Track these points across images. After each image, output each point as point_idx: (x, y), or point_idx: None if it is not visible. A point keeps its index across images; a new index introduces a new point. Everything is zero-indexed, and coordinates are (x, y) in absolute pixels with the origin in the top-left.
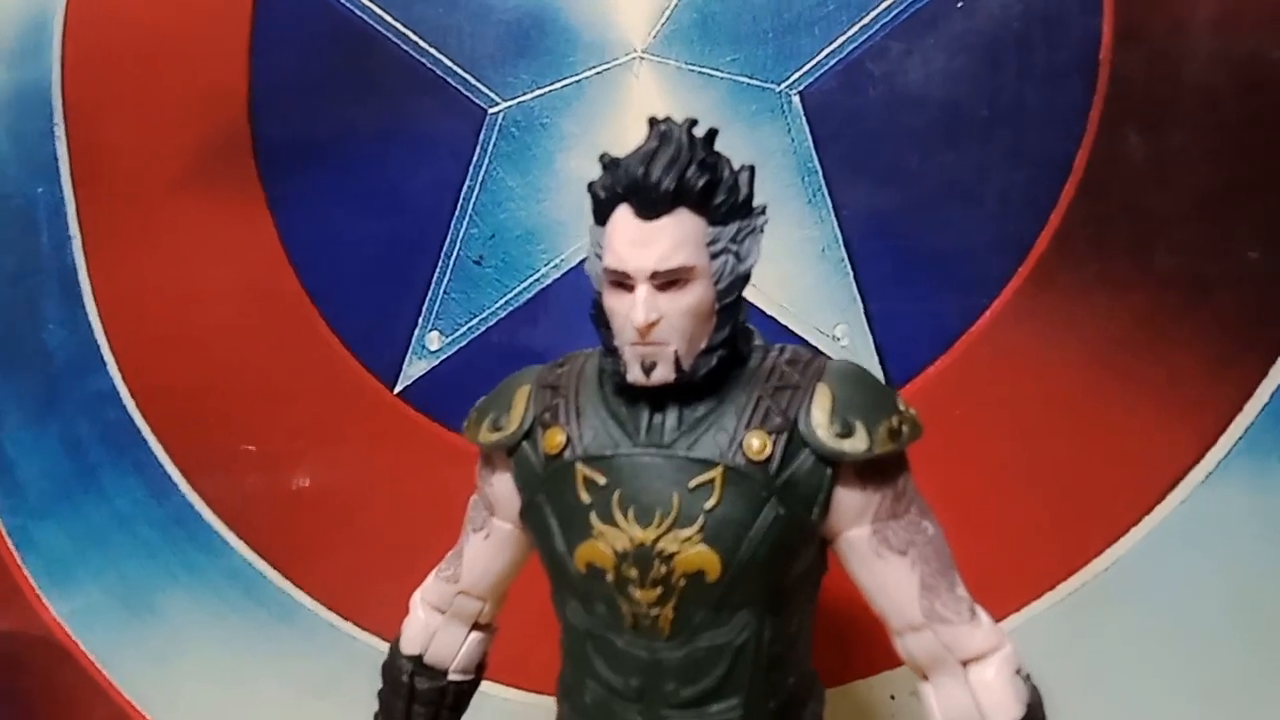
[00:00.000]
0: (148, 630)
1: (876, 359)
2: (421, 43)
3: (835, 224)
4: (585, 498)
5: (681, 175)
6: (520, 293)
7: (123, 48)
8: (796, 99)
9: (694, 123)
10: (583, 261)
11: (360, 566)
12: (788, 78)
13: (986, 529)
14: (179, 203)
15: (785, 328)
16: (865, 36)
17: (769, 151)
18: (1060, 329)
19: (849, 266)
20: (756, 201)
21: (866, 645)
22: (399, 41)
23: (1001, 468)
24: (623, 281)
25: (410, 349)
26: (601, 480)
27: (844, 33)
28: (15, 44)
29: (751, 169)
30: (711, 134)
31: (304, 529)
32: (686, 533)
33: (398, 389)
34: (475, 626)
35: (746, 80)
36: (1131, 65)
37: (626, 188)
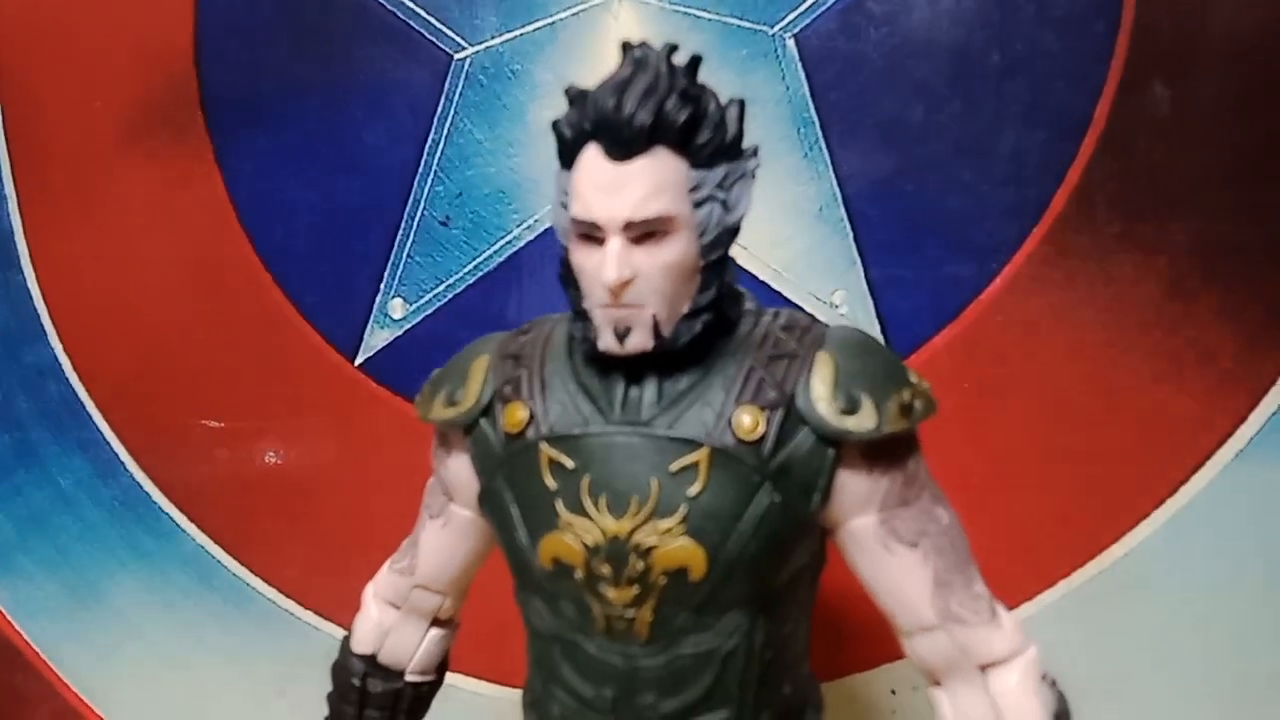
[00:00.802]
0: (94, 619)
1: (878, 328)
2: None
3: (834, 181)
4: (551, 483)
5: (659, 108)
6: (490, 256)
7: None
8: (791, 42)
9: (674, 49)
10: None
11: (320, 551)
12: (782, 19)
13: (995, 512)
14: (122, 162)
15: (778, 294)
16: None
17: (761, 100)
18: (1078, 297)
19: (848, 227)
20: (747, 142)
21: (865, 636)
22: None
23: (1012, 446)
24: (591, 234)
25: (371, 317)
26: (569, 463)
27: None
28: None
29: (741, 103)
30: (694, 61)
31: (260, 511)
32: (667, 524)
33: (358, 360)
34: (435, 623)
35: (736, 22)
36: (1157, 9)
37: (595, 123)
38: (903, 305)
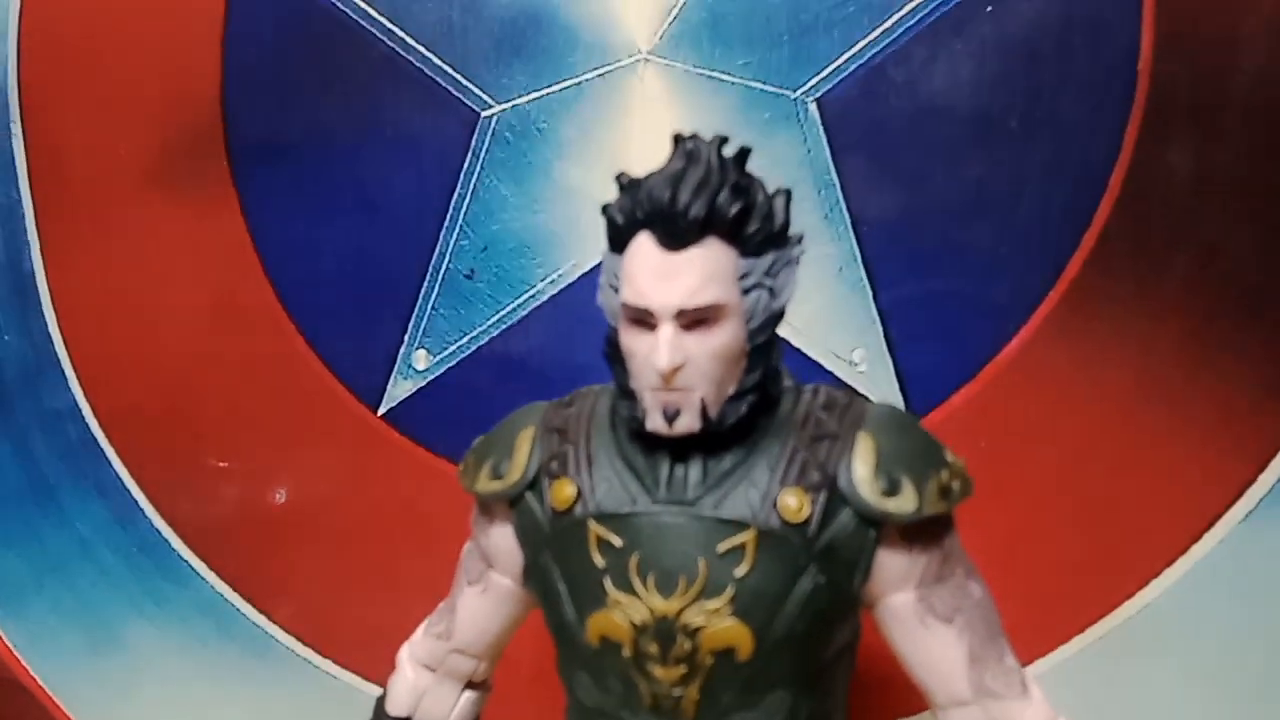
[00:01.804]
0: (110, 664)
1: (897, 386)
2: (409, 40)
3: (854, 241)
4: (599, 561)
5: (712, 201)
6: (514, 309)
7: (85, 38)
8: (813, 106)
9: (724, 140)
10: (581, 278)
11: (339, 600)
12: (804, 83)
13: (1013, 568)
14: (146, 206)
15: (799, 351)
16: (888, 40)
17: (783, 162)
18: (1096, 355)
19: (868, 287)
20: (792, 230)
21: (882, 691)
22: (384, 38)
23: (1028, 503)
24: (643, 319)
25: (395, 368)
26: (617, 542)
27: (865, 36)
28: None
29: (788, 193)
30: (744, 154)
31: (279, 559)
32: (714, 604)
33: (381, 411)
34: (469, 685)
35: (760, 86)
36: (1172, 76)
37: (650, 214)
38: (922, 363)
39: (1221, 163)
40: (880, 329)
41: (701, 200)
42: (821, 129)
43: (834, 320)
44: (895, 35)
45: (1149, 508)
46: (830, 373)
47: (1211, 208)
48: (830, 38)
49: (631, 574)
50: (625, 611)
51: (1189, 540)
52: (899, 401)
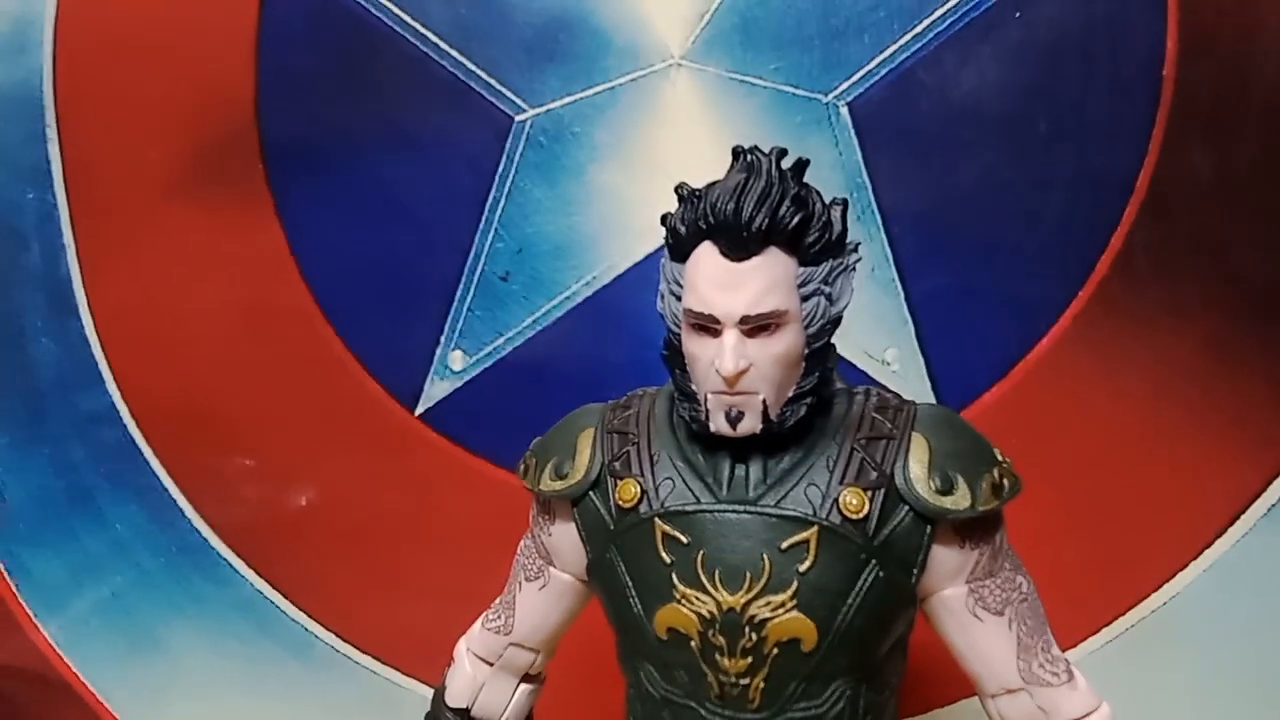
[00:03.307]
0: (150, 665)
1: (929, 385)
2: (443, 45)
3: (885, 242)
4: (666, 557)
5: (774, 212)
6: (549, 311)
7: (119, 43)
8: (844, 110)
9: (783, 152)
10: (615, 280)
11: (380, 598)
12: (835, 87)
13: (1041, 561)
14: (181, 210)
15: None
16: (918, 45)
17: (815, 165)
18: (1122, 356)
19: (900, 287)
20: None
21: (914, 684)
22: (418, 43)
23: (1058, 498)
24: (707, 325)
25: (432, 369)
26: (684, 539)
27: (895, 41)
28: (0, 40)
29: (845, 203)
30: (801, 165)
31: (319, 558)
32: (779, 598)
33: (419, 411)
34: (525, 678)
35: (791, 90)
36: (1197, 79)
37: (714, 226)
38: (953, 363)
39: (1246, 165)
40: (912, 329)
41: (764, 212)
42: (853, 132)
43: (867, 320)
44: (925, 40)
45: (1172, 505)
46: (863, 372)
47: (1235, 211)
48: (861, 42)
49: (698, 569)
50: (693, 605)
51: (1211, 536)
52: (931, 400)
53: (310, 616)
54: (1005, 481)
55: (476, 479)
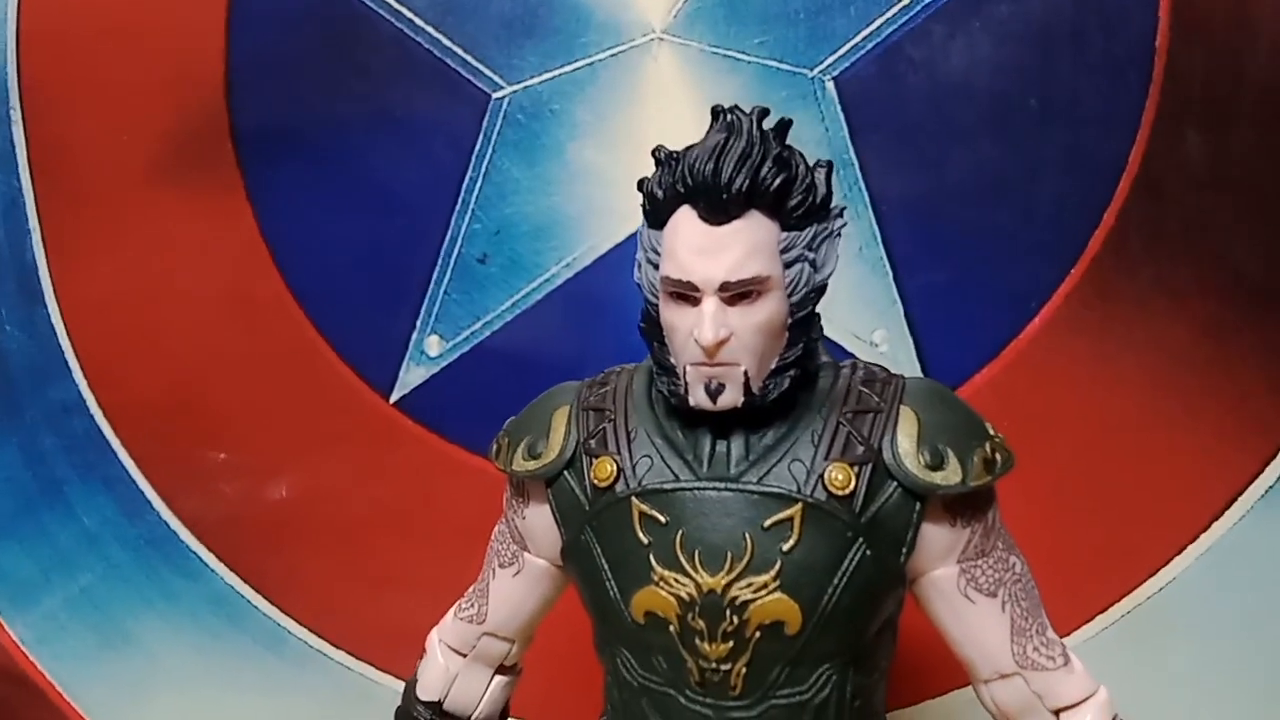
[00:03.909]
0: (121, 661)
1: (918, 367)
2: (418, 20)
3: (873, 221)
4: (643, 538)
5: (755, 173)
6: (528, 294)
7: (86, 23)
8: (830, 85)
9: (765, 112)
10: (596, 261)
11: (355, 590)
12: (821, 62)
13: (1032, 548)
14: (150, 195)
15: (820, 330)
16: (905, 19)
17: (801, 142)
18: (1114, 338)
19: (888, 267)
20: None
21: (905, 674)
22: (393, 19)
23: (1049, 483)
24: (686, 293)
25: (408, 355)
26: (662, 518)
27: (882, 14)
28: None
29: (830, 165)
30: (784, 125)
31: (293, 550)
32: (761, 579)
33: (394, 398)
34: (499, 670)
35: (776, 64)
36: (1189, 57)
37: (692, 188)
38: (943, 344)
39: (1240, 144)
40: (901, 309)
41: (744, 173)
42: (839, 108)
43: (854, 301)
44: (913, 13)
45: (1166, 491)
46: (851, 354)
47: (1228, 193)
48: (847, 15)
49: (677, 550)
50: (672, 588)
51: (1206, 521)
52: None
53: (283, 611)
54: (998, 456)
55: (454, 468)
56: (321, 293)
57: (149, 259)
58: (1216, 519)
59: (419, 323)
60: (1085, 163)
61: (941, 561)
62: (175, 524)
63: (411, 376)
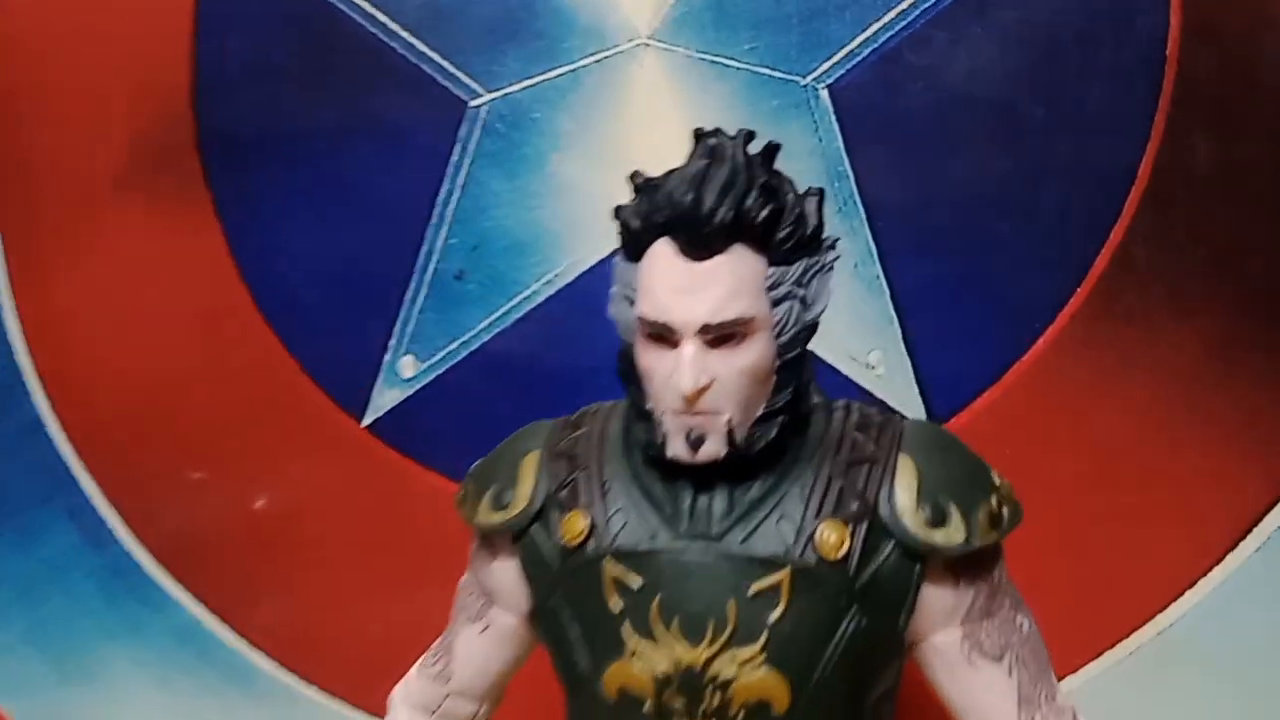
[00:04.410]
0: (81, 696)
1: (916, 390)
2: (393, 25)
3: (869, 236)
4: (616, 604)
5: (740, 204)
6: (508, 312)
7: (45, 27)
8: (824, 93)
9: (751, 135)
10: (579, 278)
11: (325, 624)
12: (814, 69)
13: (1038, 581)
14: (113, 207)
15: (812, 353)
16: (904, 24)
17: (793, 153)
18: (1122, 358)
19: (885, 285)
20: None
21: None
22: (366, 24)
23: (1054, 511)
24: (663, 335)
25: (381, 376)
26: (636, 582)
27: (879, 19)
28: None
29: (821, 192)
30: (771, 151)
31: (261, 581)
32: (746, 652)
33: (366, 421)
34: None
35: (767, 72)
36: (1201, 65)
37: (670, 219)
38: (942, 366)
39: (1253, 157)
40: (898, 329)
41: (728, 204)
42: (834, 117)
43: (849, 320)
44: (911, 18)
45: (1180, 516)
46: (845, 376)
47: (1241, 205)
48: (842, 20)
49: (653, 619)
50: (647, 661)
51: (1223, 549)
52: (919, 406)
53: (252, 645)
54: (1004, 510)
55: (429, 495)
56: (290, 310)
57: (113, 274)
58: (1231, 550)
59: (392, 342)
60: (1092, 175)
61: (943, 625)
62: (140, 553)
63: (385, 399)
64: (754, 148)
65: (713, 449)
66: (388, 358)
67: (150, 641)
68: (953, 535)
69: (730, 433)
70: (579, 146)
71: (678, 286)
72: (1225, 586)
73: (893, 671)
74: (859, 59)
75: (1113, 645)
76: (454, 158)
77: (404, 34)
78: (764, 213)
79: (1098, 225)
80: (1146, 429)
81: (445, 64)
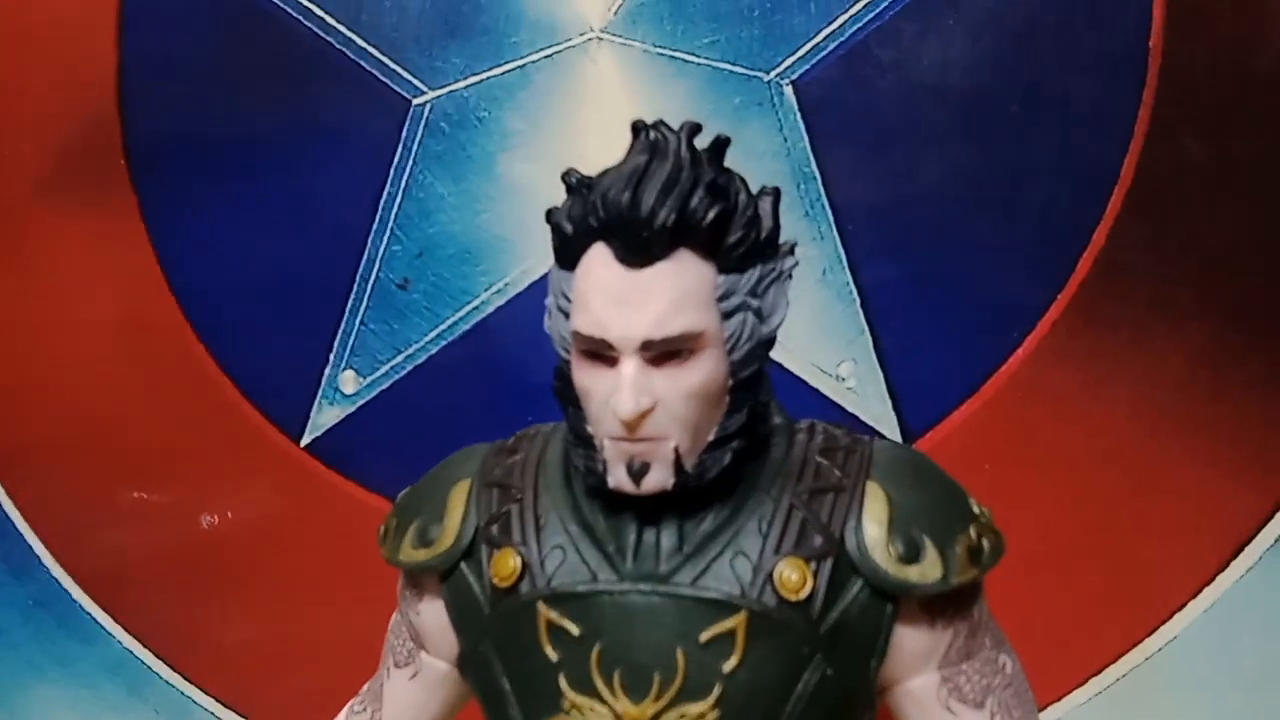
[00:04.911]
0: None
1: (889, 403)
2: (330, 19)
3: (838, 241)
4: (551, 654)
5: (684, 204)
6: (455, 323)
7: None
8: (789, 90)
9: (697, 129)
10: (530, 286)
11: (267, 656)
12: (778, 64)
13: (1016, 605)
14: (34, 214)
15: (778, 366)
16: (871, 15)
17: (757, 153)
18: (1107, 368)
19: (855, 292)
20: (783, 236)
21: None
22: (302, 18)
23: (1037, 530)
24: (601, 353)
25: (320, 393)
26: (574, 629)
27: (845, 10)
28: None
29: (776, 191)
30: (720, 145)
31: (196, 611)
32: (697, 708)
33: (305, 441)
34: None
35: (728, 67)
36: (1188, 55)
37: (606, 222)
38: (916, 378)
39: (1243, 154)
40: (869, 339)
41: (670, 204)
42: (799, 115)
43: (818, 331)
44: (879, 9)
45: (1169, 535)
46: (814, 389)
47: (1231, 205)
48: (807, 12)
49: (593, 671)
50: (586, 719)
51: (1214, 569)
52: (892, 420)
53: (187, 679)
54: (984, 542)
55: (372, 519)
56: (223, 323)
57: (35, 285)
58: (1223, 569)
59: (332, 356)
60: (1074, 173)
61: (919, 670)
62: (67, 582)
63: (324, 417)
64: (701, 142)
65: (658, 479)
66: (327, 372)
67: (80, 676)
68: (928, 572)
69: (678, 461)
70: (528, 147)
71: (616, 298)
72: (1216, 608)
73: None
74: (825, 53)
75: (1099, 671)
76: (396, 160)
77: (341, 29)
78: (711, 214)
79: (1080, 227)
80: (1133, 442)
81: (385, 60)
